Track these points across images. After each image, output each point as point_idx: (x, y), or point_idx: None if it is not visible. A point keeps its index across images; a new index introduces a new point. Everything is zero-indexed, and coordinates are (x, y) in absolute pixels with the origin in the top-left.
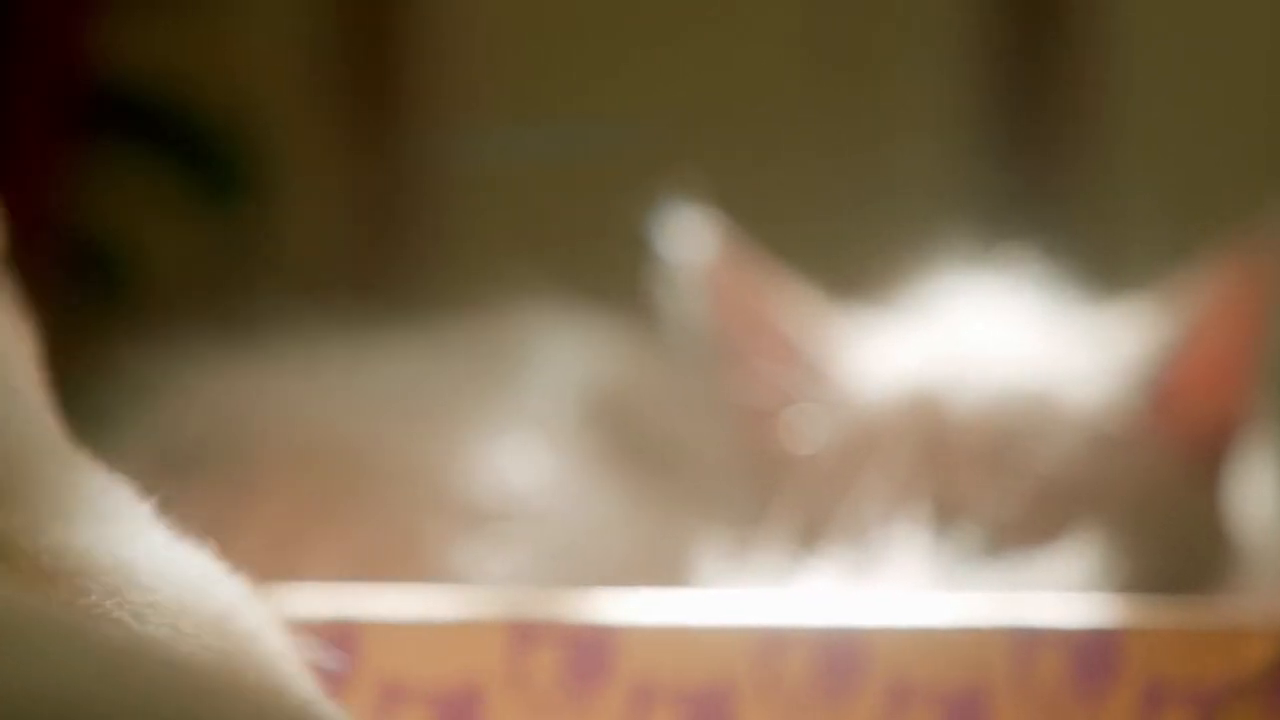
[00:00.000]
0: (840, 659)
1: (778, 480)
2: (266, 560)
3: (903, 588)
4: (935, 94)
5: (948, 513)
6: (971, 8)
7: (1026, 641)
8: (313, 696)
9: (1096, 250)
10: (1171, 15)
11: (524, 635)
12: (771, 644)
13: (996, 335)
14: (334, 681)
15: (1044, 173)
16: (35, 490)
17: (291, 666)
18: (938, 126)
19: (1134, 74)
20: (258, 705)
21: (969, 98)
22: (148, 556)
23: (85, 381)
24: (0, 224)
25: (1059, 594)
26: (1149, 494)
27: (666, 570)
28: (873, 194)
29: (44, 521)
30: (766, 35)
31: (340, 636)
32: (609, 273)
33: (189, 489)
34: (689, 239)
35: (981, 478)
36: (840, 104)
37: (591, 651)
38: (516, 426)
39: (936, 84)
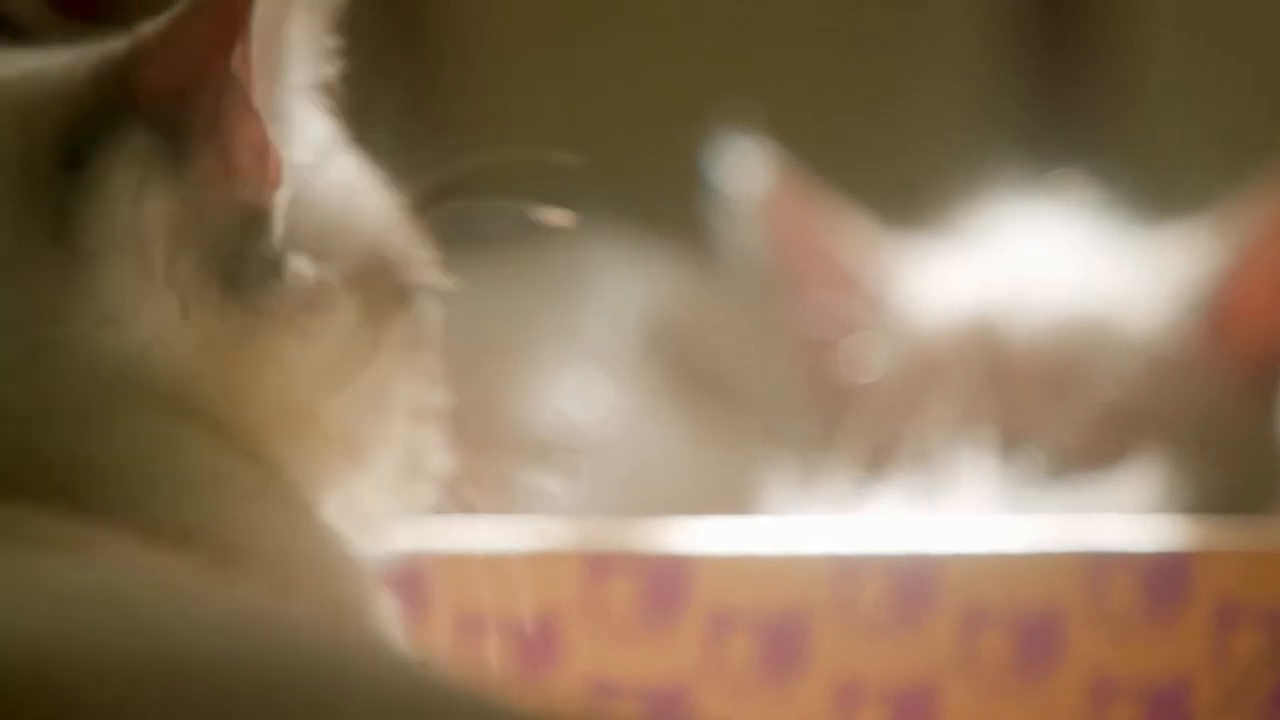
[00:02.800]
0: (914, 585)
1: (840, 408)
2: None
3: (970, 512)
4: (976, 23)
5: (1012, 437)
6: None
7: (1098, 565)
8: (421, 688)
9: (1135, 176)
10: None
11: (599, 566)
12: (846, 571)
13: (1052, 260)
14: (412, 614)
15: (1083, 99)
16: (182, 472)
17: (413, 664)
18: (980, 56)
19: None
20: (364, 687)
21: (1008, 26)
22: (290, 541)
23: None
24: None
25: (1129, 517)
26: (1208, 416)
27: (732, 499)
28: (916, 125)
29: (185, 502)
30: None
31: (415, 570)
32: (667, 205)
33: None
34: (745, 171)
35: (1044, 402)
36: (883, 37)
37: (667, 581)
38: (578, 358)
39: (976, 12)
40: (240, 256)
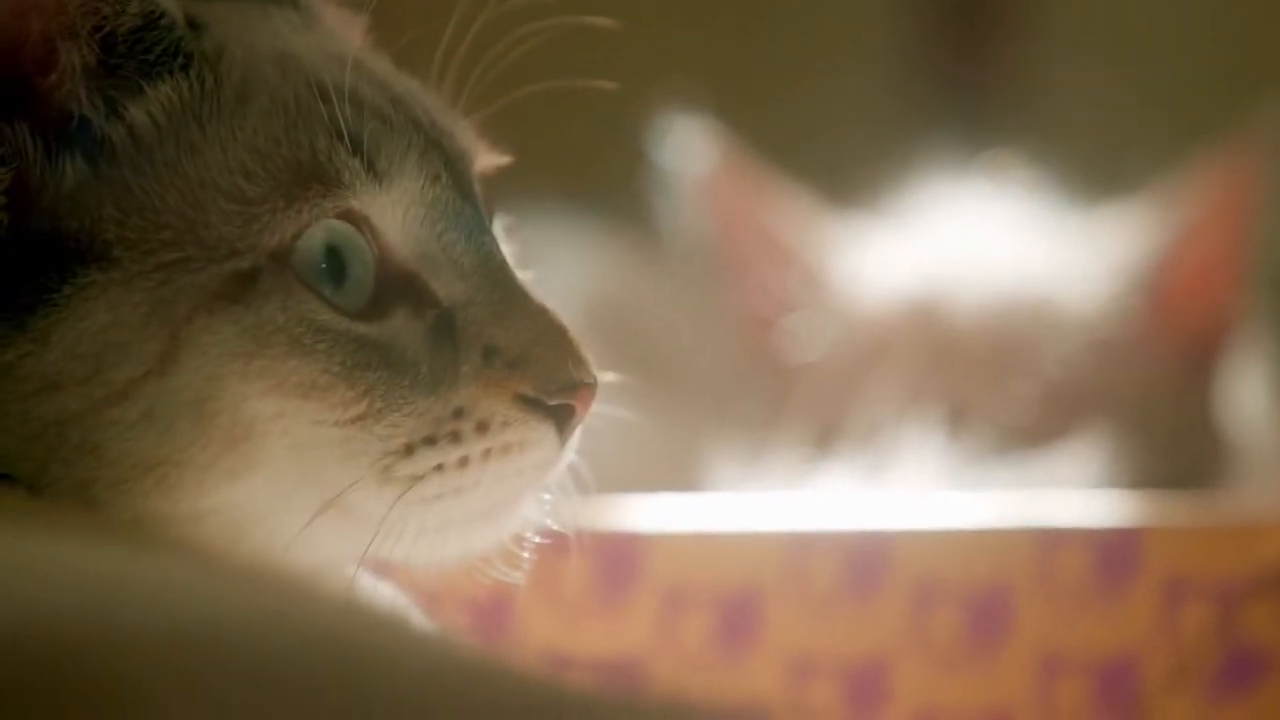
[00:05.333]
0: (865, 561)
1: (786, 386)
2: None
3: (918, 488)
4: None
5: (957, 414)
6: None
7: (1048, 541)
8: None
9: (1071, 157)
10: None
11: (554, 544)
12: (797, 547)
13: (991, 240)
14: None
15: (1017, 81)
16: None
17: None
18: (915, 36)
19: None
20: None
21: (941, 7)
22: None
23: None
24: None
25: (1078, 493)
26: (1149, 393)
27: (681, 476)
28: (854, 105)
29: None
30: None
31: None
32: (611, 184)
33: None
34: (688, 150)
35: (988, 380)
36: (816, 19)
37: (621, 558)
38: None
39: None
40: None
